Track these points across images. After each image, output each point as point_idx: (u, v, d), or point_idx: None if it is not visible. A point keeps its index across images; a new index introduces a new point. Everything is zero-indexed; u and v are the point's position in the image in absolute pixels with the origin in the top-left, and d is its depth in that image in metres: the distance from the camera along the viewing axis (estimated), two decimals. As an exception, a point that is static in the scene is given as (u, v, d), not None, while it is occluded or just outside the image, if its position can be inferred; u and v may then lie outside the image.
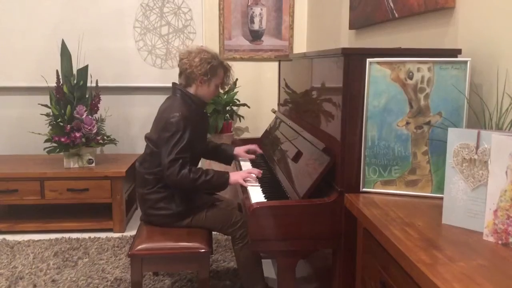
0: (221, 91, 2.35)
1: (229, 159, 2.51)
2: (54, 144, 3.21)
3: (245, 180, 2.03)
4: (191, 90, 2.16)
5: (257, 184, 2.01)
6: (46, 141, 3.23)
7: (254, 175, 2.06)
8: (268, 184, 2.03)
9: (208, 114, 3.59)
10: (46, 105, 3.26)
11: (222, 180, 2.05)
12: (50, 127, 3.25)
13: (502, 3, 1.38)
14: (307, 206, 1.60)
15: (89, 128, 3.20)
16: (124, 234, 3.21)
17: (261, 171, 2.10)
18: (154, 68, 3.81)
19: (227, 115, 3.71)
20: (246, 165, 2.40)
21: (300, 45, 3.93)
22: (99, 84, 3.41)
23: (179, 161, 1.98)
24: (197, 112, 2.18)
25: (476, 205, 1.16)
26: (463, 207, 1.19)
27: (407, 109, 1.45)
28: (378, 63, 1.46)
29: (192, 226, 2.13)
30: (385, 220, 1.24)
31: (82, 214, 3.39)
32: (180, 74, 2.19)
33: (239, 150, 2.49)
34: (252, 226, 1.61)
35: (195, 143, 2.09)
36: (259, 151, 2.51)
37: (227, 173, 2.08)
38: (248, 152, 2.50)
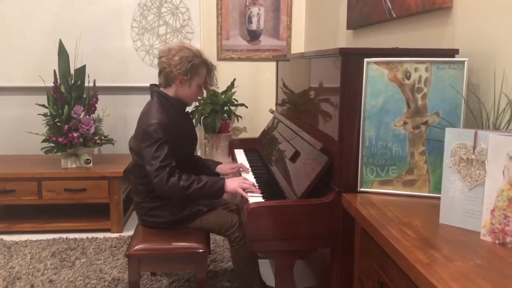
0: (204, 91, 2.18)
1: (211, 174, 2.28)
2: (52, 144, 3.20)
3: (244, 189, 1.89)
4: (171, 91, 2.04)
5: (259, 195, 1.87)
6: (43, 141, 3.22)
7: (251, 185, 1.91)
8: (266, 184, 2.02)
9: (206, 114, 3.60)
10: (43, 105, 3.26)
11: (216, 188, 1.93)
12: (47, 127, 3.24)
13: (499, 3, 1.38)
14: (304, 206, 1.60)
15: (86, 128, 3.20)
16: (122, 234, 3.20)
17: (257, 187, 1.93)
18: (152, 68, 3.80)
19: (225, 115, 3.70)
20: (246, 174, 2.30)
21: (298, 45, 3.93)
22: (97, 84, 3.41)
23: (166, 168, 1.87)
24: (177, 115, 2.05)
25: (474, 205, 1.17)
26: (461, 207, 1.19)
27: (404, 109, 1.45)
28: (375, 63, 1.46)
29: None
30: (383, 220, 1.24)
31: (80, 214, 3.39)
32: (160, 73, 2.05)
33: (223, 167, 2.33)
34: (250, 226, 1.61)
35: (179, 148, 2.00)
36: (245, 170, 2.27)
37: (222, 179, 1.96)
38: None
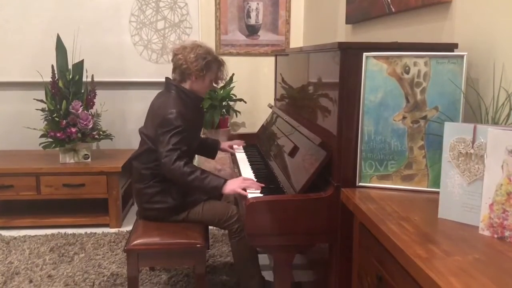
0: (215, 85, 2.34)
1: (214, 152, 2.56)
2: (50, 140, 3.20)
3: (244, 189, 1.85)
4: (186, 85, 2.15)
5: (258, 192, 1.82)
6: (41, 136, 3.22)
7: (252, 182, 1.89)
8: (265, 179, 2.02)
9: (205, 110, 3.58)
10: (41, 100, 3.25)
11: (215, 183, 1.92)
12: (45, 122, 3.24)
13: (499, -3, 1.37)
14: (303, 201, 1.60)
15: (84, 123, 3.19)
16: (120, 229, 3.20)
17: (261, 186, 1.87)
18: (150, 62, 3.79)
19: (224, 110, 3.70)
20: (245, 169, 2.25)
21: (297, 40, 3.92)
22: (95, 79, 3.40)
23: (177, 151, 1.96)
24: (193, 108, 2.17)
25: (472, 199, 1.17)
26: (459, 201, 1.19)
27: (403, 103, 1.45)
28: (374, 57, 1.46)
29: (188, 220, 2.12)
30: (381, 215, 1.24)
31: (78, 209, 3.38)
32: (174, 70, 2.17)
33: (223, 144, 2.58)
34: (249, 220, 1.61)
35: (190, 140, 2.08)
36: (240, 144, 2.62)
37: (224, 179, 1.95)
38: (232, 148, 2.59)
